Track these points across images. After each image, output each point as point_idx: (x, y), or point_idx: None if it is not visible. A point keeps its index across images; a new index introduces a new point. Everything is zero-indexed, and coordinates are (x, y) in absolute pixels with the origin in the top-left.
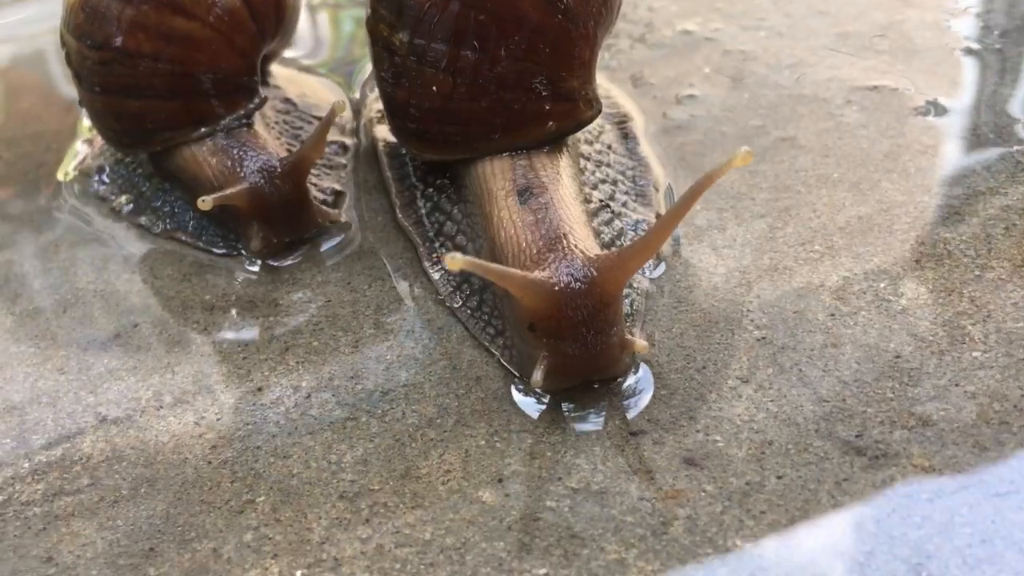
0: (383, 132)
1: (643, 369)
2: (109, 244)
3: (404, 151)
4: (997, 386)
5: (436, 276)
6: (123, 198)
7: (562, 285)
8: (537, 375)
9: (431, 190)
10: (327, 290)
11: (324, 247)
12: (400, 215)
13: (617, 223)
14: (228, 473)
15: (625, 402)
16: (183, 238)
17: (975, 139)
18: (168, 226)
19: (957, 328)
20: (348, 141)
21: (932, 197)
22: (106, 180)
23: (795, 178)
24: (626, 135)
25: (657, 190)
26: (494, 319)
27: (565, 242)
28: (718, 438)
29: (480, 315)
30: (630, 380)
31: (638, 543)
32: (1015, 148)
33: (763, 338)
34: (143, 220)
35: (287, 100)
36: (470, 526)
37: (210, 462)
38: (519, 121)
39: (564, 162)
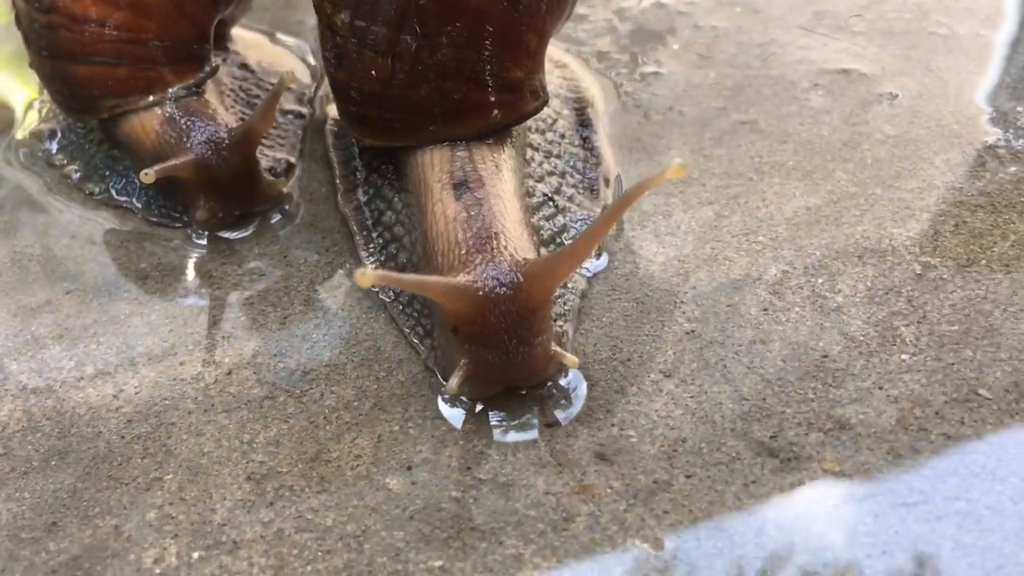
0: (334, 110)
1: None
2: (52, 209)
3: None
4: (921, 391)
5: (373, 266)
6: (71, 162)
7: (487, 290)
8: (453, 381)
9: (374, 175)
10: (262, 263)
11: (274, 219)
12: (341, 201)
13: (560, 219)
14: (140, 449)
15: (543, 391)
16: (130, 206)
17: (938, 130)
18: (117, 195)
19: (889, 329)
20: (304, 110)
21: (885, 190)
22: (57, 144)
23: (749, 164)
24: (583, 122)
25: (608, 183)
26: (423, 318)
27: (495, 242)
28: (632, 433)
29: (410, 312)
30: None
31: (537, 538)
32: (978, 142)
33: (692, 331)
34: (91, 187)
35: (245, 66)
36: (372, 514)
37: (123, 437)
38: (459, 111)
39: (506, 154)
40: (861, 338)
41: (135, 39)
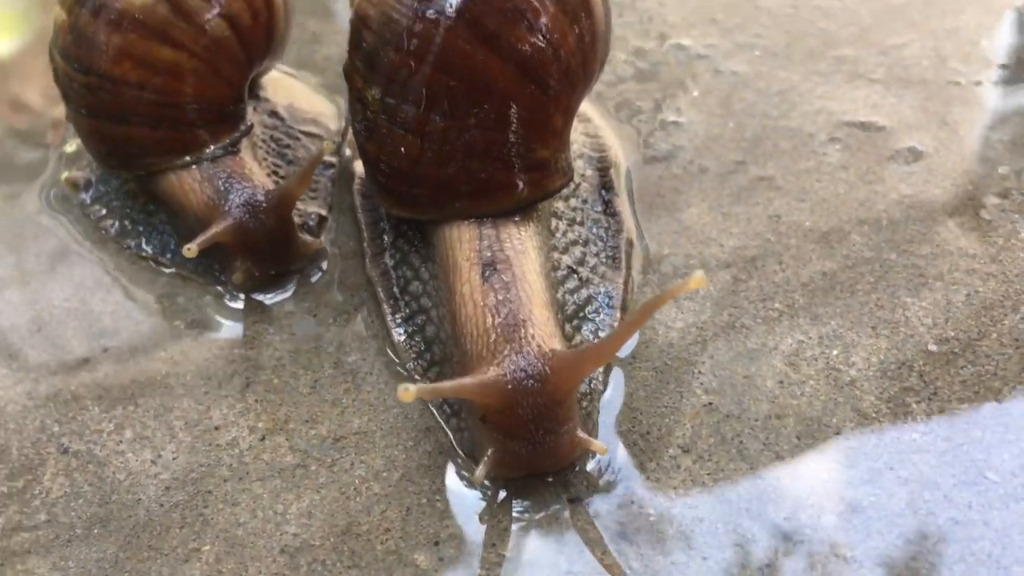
0: (361, 167)
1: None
2: (88, 259)
3: None
4: (931, 472)
5: (399, 338)
6: (107, 214)
7: (515, 383)
8: (480, 471)
9: (401, 240)
10: (292, 322)
11: (314, 279)
12: (368, 264)
13: (584, 291)
14: (178, 518)
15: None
16: (166, 262)
17: (953, 190)
18: (152, 249)
19: (901, 405)
20: (333, 159)
21: (900, 255)
22: (92, 195)
23: (767, 224)
24: (606, 185)
25: (632, 244)
26: (451, 399)
27: (523, 331)
28: (651, 512)
29: None
30: None
31: None
32: (991, 204)
33: (710, 404)
34: (128, 241)
35: (274, 113)
36: None
37: (162, 505)
38: (486, 190)
39: (532, 230)
40: (873, 415)
41: (172, 102)
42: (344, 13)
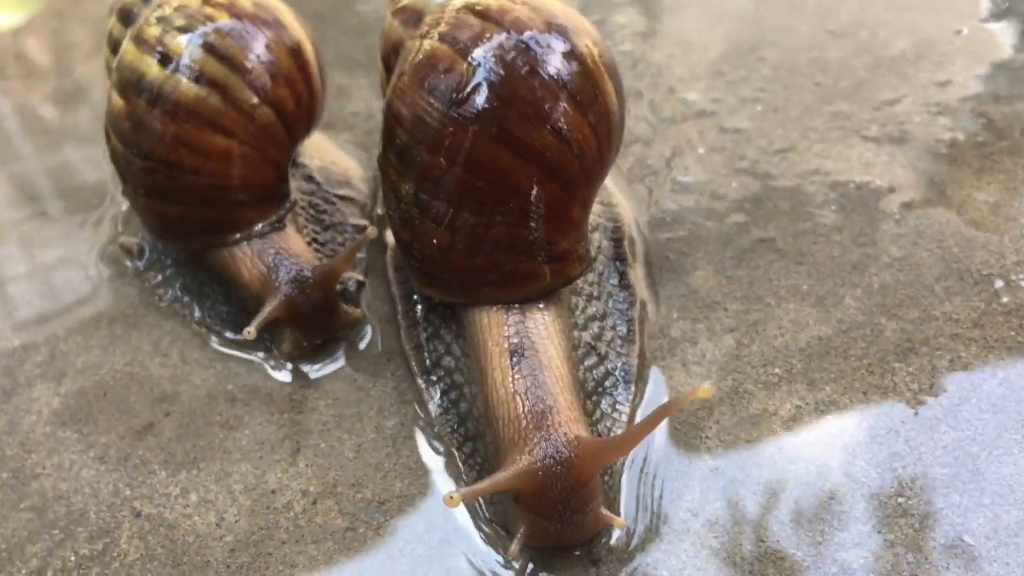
0: (392, 238)
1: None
2: (144, 325)
3: None
4: (915, 536)
5: (436, 412)
6: (160, 281)
7: (545, 470)
8: (514, 547)
9: (432, 315)
10: (335, 387)
11: (362, 346)
12: (403, 337)
13: (602, 367)
14: None
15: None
16: (217, 328)
17: (939, 253)
18: (204, 316)
19: (888, 470)
20: (366, 223)
21: (889, 319)
22: (145, 261)
23: (767, 288)
24: (619, 257)
25: (644, 310)
26: (484, 472)
27: (550, 419)
28: (665, 574)
29: (472, 464)
30: None
31: None
32: (975, 268)
33: (716, 468)
34: (179, 307)
35: (310, 178)
36: None
37: (228, 566)
38: (512, 279)
39: (555, 314)
40: (863, 479)
41: (223, 185)
42: (369, 66)
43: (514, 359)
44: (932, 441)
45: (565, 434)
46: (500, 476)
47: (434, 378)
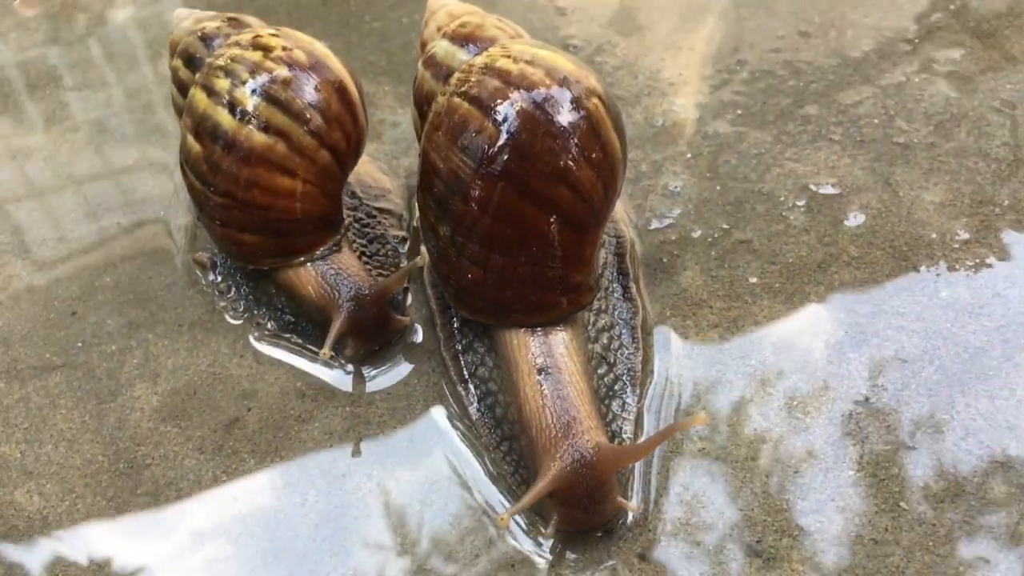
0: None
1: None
2: (218, 328)
3: None
4: (860, 503)
5: (475, 416)
6: (233, 293)
7: (573, 472)
8: (550, 530)
9: (466, 328)
10: (387, 383)
11: (407, 345)
12: (443, 347)
13: (611, 374)
14: (327, 549)
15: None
16: (289, 338)
17: (891, 251)
18: (275, 326)
19: (842, 448)
20: (405, 234)
21: (847, 315)
22: (219, 274)
23: (745, 287)
24: (622, 271)
25: (647, 324)
26: (520, 468)
27: (575, 428)
28: (663, 539)
29: (510, 460)
30: None
31: None
32: (920, 265)
33: (702, 449)
34: (251, 316)
35: (353, 194)
36: None
37: (314, 539)
38: (534, 308)
39: (572, 334)
40: (822, 456)
41: (290, 219)
42: (391, 72)
43: (541, 376)
44: (877, 424)
45: (588, 441)
46: (539, 486)
47: (471, 386)
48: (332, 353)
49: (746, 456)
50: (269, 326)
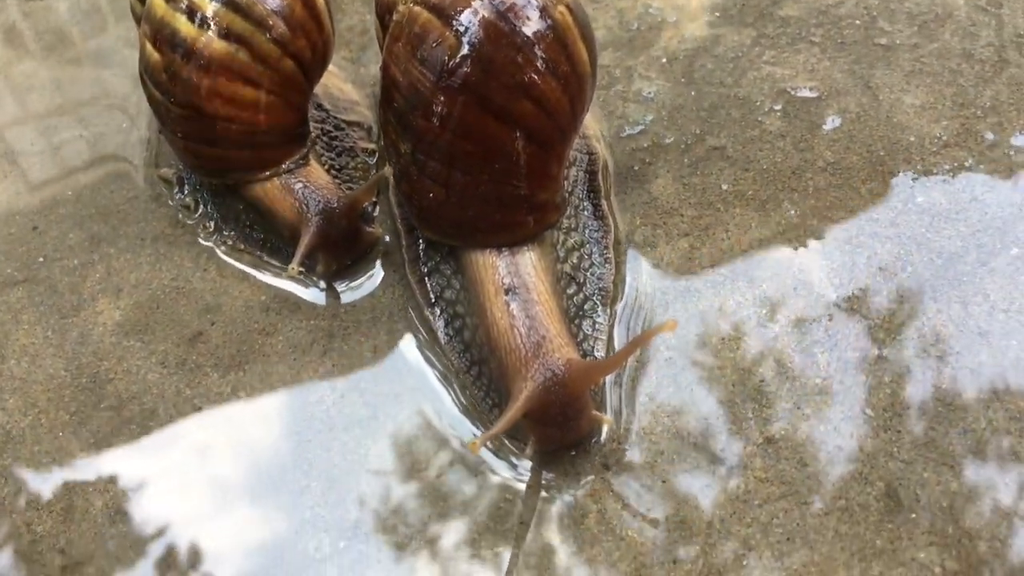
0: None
1: None
2: (181, 242)
3: None
4: (826, 410)
5: (443, 340)
6: (200, 211)
7: (545, 390)
8: (528, 451)
9: (431, 250)
10: (352, 296)
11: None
12: (408, 270)
13: (581, 294)
14: (291, 462)
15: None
16: (257, 254)
17: (868, 156)
18: (243, 244)
19: (810, 356)
20: (374, 146)
21: (820, 221)
22: (185, 191)
23: (718, 195)
24: (594, 188)
25: (619, 243)
26: (491, 392)
27: (546, 347)
28: (626, 448)
29: (480, 385)
30: None
31: (563, 530)
32: (897, 170)
33: (670, 358)
34: (219, 235)
35: (320, 106)
36: (452, 512)
37: (277, 452)
38: (500, 228)
39: (540, 253)
40: (789, 365)
41: (253, 130)
42: None
43: (508, 296)
44: (847, 330)
45: (559, 358)
46: (511, 411)
47: (438, 310)
48: (301, 269)
49: (713, 365)
50: (238, 244)
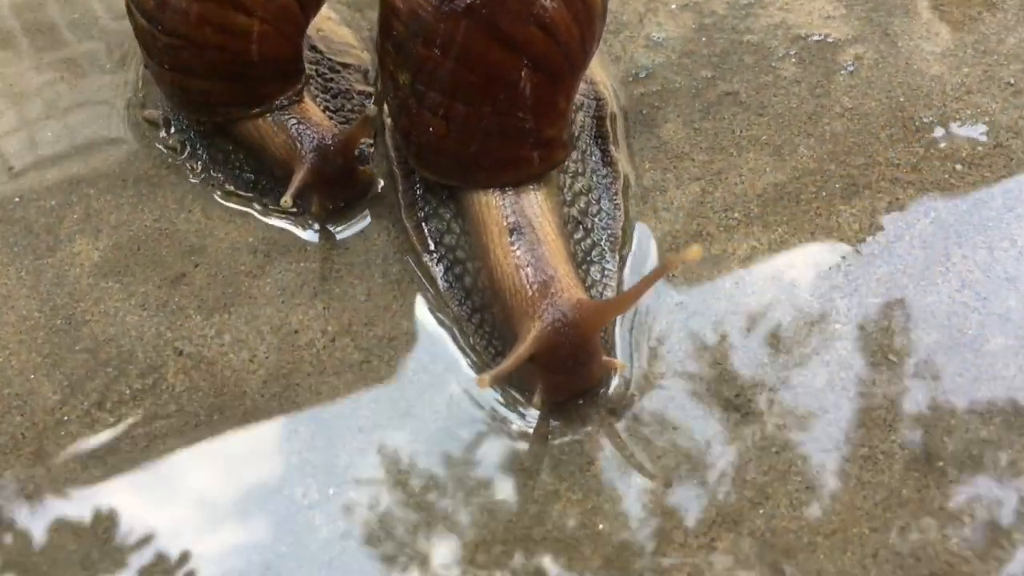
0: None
1: None
2: (165, 183)
3: None
4: (847, 356)
5: (443, 287)
6: (188, 153)
7: (554, 331)
8: (536, 399)
9: (429, 194)
10: (345, 238)
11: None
12: (404, 215)
13: (589, 239)
14: (277, 406)
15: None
16: (248, 196)
17: (888, 103)
18: (233, 186)
19: (828, 301)
20: (370, 88)
21: (838, 166)
22: (172, 132)
23: (730, 139)
24: (602, 135)
25: (628, 187)
26: (494, 340)
27: (554, 286)
28: (635, 392)
29: (482, 333)
30: None
31: (568, 477)
32: (917, 116)
33: (680, 303)
34: (207, 176)
35: (314, 48)
36: (449, 459)
37: (263, 395)
38: (503, 164)
39: (546, 193)
40: (807, 310)
41: (245, 61)
42: None
43: (513, 236)
44: (868, 275)
45: (568, 299)
46: (520, 350)
47: (436, 255)
48: (292, 202)
49: (726, 310)
50: (227, 186)
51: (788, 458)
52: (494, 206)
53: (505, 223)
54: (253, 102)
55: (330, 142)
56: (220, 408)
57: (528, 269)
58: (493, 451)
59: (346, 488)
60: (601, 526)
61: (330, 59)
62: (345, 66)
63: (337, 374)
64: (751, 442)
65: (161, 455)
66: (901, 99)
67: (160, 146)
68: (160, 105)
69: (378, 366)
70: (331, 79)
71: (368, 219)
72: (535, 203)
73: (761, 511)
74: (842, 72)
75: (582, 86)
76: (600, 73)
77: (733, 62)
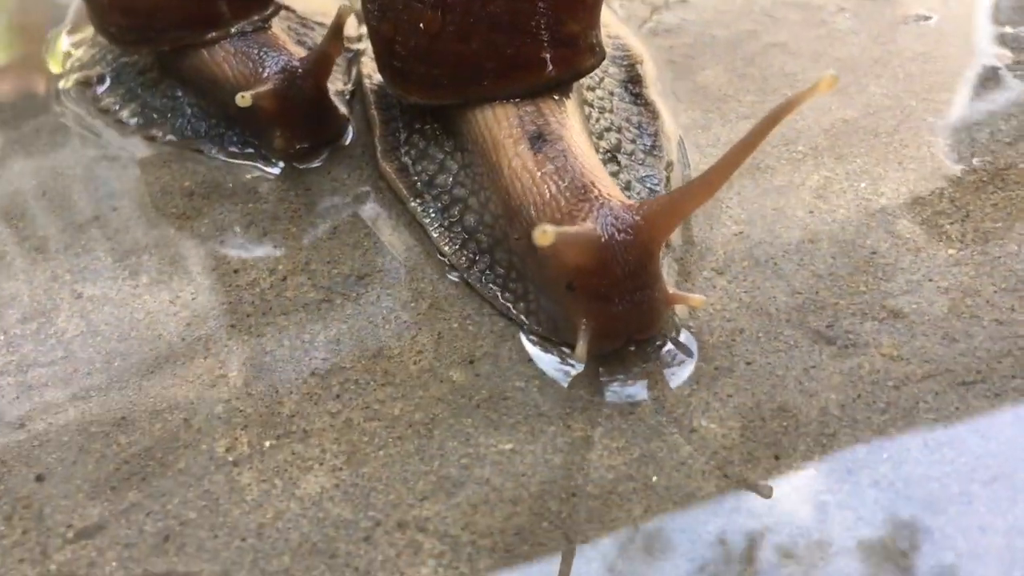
0: (372, 67)
1: None
2: (95, 139)
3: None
4: (970, 282)
5: (436, 234)
6: (128, 109)
7: (608, 237)
8: (581, 348)
9: (416, 136)
10: (309, 179)
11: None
12: (381, 160)
13: (624, 175)
14: (201, 349)
15: None
16: (201, 147)
17: (967, 47)
18: (184, 135)
19: (935, 227)
20: (353, 47)
21: (920, 102)
22: (108, 90)
23: (783, 82)
24: (632, 79)
25: (669, 139)
26: (511, 281)
27: (596, 191)
28: (691, 324)
29: (493, 277)
30: None
31: (604, 422)
32: (1007, 58)
33: (740, 232)
34: (153, 131)
35: (287, 8)
36: (439, 403)
37: (184, 339)
38: (512, 67)
39: (572, 106)
40: (908, 235)
41: None
42: None
43: (535, 145)
44: (980, 200)
45: (620, 200)
46: (573, 229)
47: (429, 198)
48: (248, 96)
49: (801, 239)
50: (170, 137)
51: (913, 393)
52: (505, 118)
53: (523, 133)
54: (206, 24)
55: (298, 64)
56: (123, 353)
57: (558, 176)
58: (496, 397)
59: (289, 441)
60: (655, 478)
61: (304, 18)
62: (321, 25)
63: (286, 314)
64: (857, 375)
65: (33, 408)
66: (983, 44)
67: (94, 104)
68: (102, 61)
69: (342, 304)
70: (305, 35)
71: (336, 162)
72: (559, 112)
73: (885, 455)
74: (908, 23)
75: (606, 39)
76: (624, 29)
77: (777, 18)
